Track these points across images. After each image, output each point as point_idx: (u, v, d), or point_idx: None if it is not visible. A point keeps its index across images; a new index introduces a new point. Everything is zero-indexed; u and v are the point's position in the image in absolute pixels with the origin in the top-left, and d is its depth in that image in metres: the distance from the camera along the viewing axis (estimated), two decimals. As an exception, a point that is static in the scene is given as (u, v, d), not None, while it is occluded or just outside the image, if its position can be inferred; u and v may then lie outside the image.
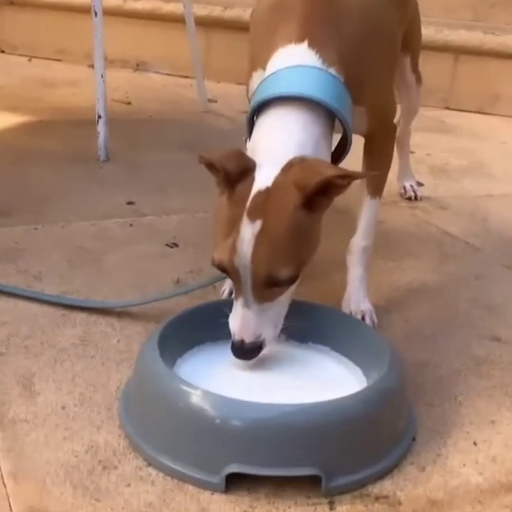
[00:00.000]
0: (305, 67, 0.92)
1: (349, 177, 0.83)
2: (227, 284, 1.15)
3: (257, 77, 0.99)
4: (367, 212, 1.12)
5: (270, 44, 0.96)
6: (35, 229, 1.37)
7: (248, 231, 0.84)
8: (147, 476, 0.77)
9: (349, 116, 0.95)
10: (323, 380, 0.91)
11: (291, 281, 0.87)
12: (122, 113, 2.31)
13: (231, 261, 0.85)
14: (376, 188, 1.12)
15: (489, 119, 2.70)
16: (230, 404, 0.77)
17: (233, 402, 0.77)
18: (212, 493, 0.75)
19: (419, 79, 1.54)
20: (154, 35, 3.07)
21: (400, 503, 0.76)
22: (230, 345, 0.92)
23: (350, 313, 1.09)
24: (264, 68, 0.97)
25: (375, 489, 0.78)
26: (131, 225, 1.43)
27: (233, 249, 0.84)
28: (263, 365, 0.93)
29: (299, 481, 0.76)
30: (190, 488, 0.76)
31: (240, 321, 0.87)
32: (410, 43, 1.38)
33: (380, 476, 0.79)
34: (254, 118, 0.96)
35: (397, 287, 1.25)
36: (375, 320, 1.09)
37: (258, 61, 0.99)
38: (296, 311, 0.98)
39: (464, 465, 0.82)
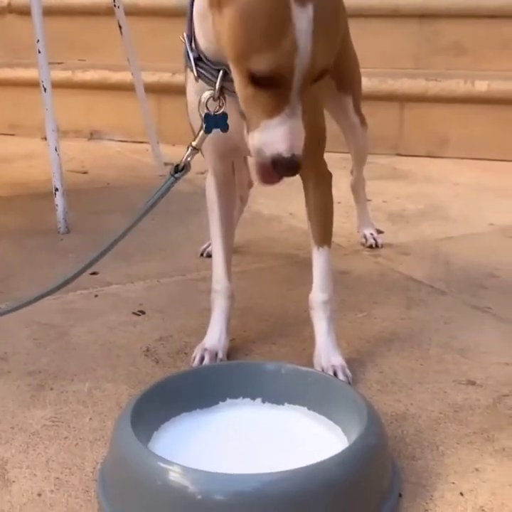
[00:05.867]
0: None
1: None
2: (198, 350, 1.14)
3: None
4: (317, 263, 1.10)
5: None
6: (-2, 308, 1.34)
7: (304, 19, 0.73)
8: (132, 560, 0.75)
9: None
10: (304, 442, 0.90)
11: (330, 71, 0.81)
12: (79, 183, 2.31)
13: (292, 61, 0.74)
14: (322, 236, 1.10)
15: (440, 162, 2.76)
16: (210, 478, 0.75)
17: (212, 475, 0.76)
18: None
19: (363, 121, 1.52)
20: (105, 104, 3.09)
21: None
22: (204, 414, 0.93)
23: (322, 369, 1.07)
24: None
25: (366, 551, 0.76)
26: (96, 295, 1.42)
27: (294, 45, 0.74)
28: (240, 431, 0.92)
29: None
30: None
31: (289, 133, 0.78)
32: (350, 82, 1.40)
33: (370, 538, 0.78)
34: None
35: (368, 338, 1.25)
36: (349, 374, 1.08)
37: None
38: (270, 373, 0.98)
39: (453, 517, 0.82)
